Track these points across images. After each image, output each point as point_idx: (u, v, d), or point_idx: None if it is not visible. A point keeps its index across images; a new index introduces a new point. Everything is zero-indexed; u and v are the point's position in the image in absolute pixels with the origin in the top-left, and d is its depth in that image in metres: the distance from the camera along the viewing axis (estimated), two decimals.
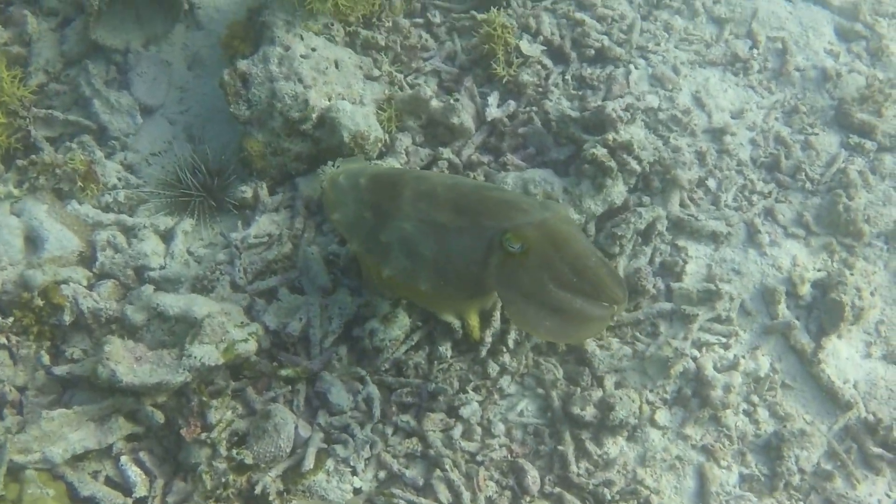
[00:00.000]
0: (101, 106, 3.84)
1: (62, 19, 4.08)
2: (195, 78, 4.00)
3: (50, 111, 3.80)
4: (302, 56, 3.62)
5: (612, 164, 3.53)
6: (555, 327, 2.49)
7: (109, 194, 3.66)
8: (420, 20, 4.00)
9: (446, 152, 3.72)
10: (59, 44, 4.03)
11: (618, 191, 3.59)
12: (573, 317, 2.43)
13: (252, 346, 3.26)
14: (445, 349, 3.42)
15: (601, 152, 3.54)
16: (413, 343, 3.44)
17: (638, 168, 3.52)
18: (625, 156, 3.49)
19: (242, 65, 3.61)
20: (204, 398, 3.21)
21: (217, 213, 3.65)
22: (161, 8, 3.96)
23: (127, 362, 3.19)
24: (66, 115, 3.82)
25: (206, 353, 3.18)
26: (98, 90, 3.83)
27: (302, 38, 3.66)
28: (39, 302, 3.33)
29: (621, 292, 2.42)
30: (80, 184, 3.61)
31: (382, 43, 3.84)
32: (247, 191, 3.64)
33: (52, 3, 4.09)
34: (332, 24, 3.75)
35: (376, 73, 3.79)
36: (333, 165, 3.44)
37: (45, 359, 3.32)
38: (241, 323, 3.31)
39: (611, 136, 3.57)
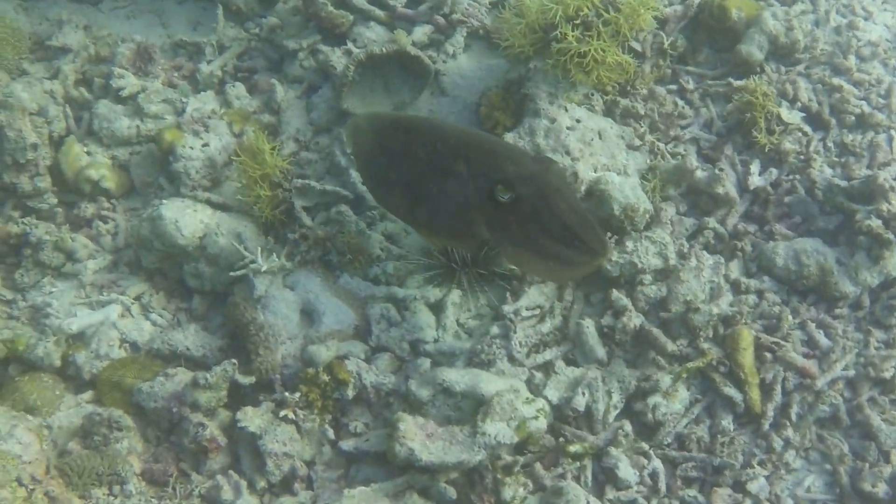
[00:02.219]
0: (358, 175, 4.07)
1: (307, 87, 4.35)
2: None
3: (307, 182, 4.05)
4: (568, 128, 3.84)
5: (890, 236, 3.68)
6: (542, 270, 3.04)
7: (378, 266, 3.88)
8: (673, 86, 4.19)
9: (711, 222, 3.89)
10: (307, 112, 4.29)
11: (894, 262, 3.73)
12: (559, 263, 2.79)
13: (542, 423, 3.48)
14: (727, 422, 3.58)
15: (876, 224, 3.69)
16: (693, 416, 3.61)
17: None
18: None
19: (509, 137, 3.84)
20: (498, 475, 3.41)
21: (482, 283, 3.85)
22: (409, 76, 4.20)
23: (419, 439, 3.42)
24: (323, 185, 4.04)
25: (499, 431, 3.40)
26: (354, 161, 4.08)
27: (566, 110, 3.88)
28: (325, 377, 3.57)
29: (604, 244, 2.76)
30: (349, 256, 3.83)
31: (641, 111, 4.04)
32: None
33: (296, 70, 4.36)
34: (592, 94, 3.96)
35: (637, 142, 3.99)
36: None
37: (330, 433, 3.55)
38: (528, 399, 3.51)
39: (884, 206, 3.73)
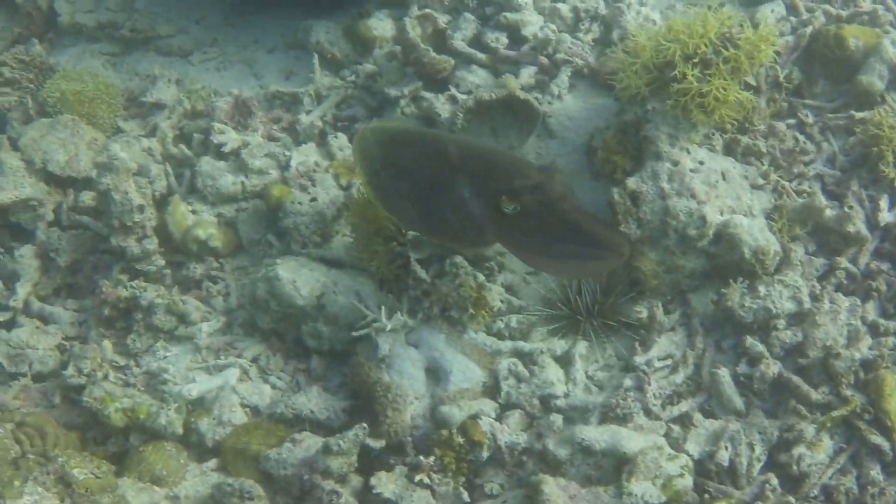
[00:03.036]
0: None
1: None
2: None
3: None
4: (691, 170, 3.81)
5: None
6: (557, 269, 3.22)
7: (501, 320, 3.86)
8: (792, 121, 4.15)
9: (843, 262, 3.85)
10: None
11: None
12: (578, 262, 2.90)
13: (688, 480, 3.45)
14: (876, 472, 3.54)
15: None
16: (839, 466, 3.56)
17: None
18: None
19: (632, 183, 3.81)
20: None
21: (608, 333, 3.82)
22: (516, 120, 4.19)
23: (563, 502, 3.38)
24: None
25: (645, 490, 3.37)
26: None
27: (688, 152, 3.86)
28: (459, 439, 3.54)
29: (621, 240, 2.84)
30: (471, 311, 3.81)
31: (763, 149, 4.00)
32: (641, 311, 3.81)
33: (397, 118, 4.33)
34: (713, 134, 3.93)
35: (760, 181, 3.95)
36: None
37: (465, 496, 3.53)
38: (671, 455, 3.47)
39: None
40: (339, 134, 4.38)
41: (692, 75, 3.74)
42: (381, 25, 4.60)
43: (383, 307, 3.81)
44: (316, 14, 4.69)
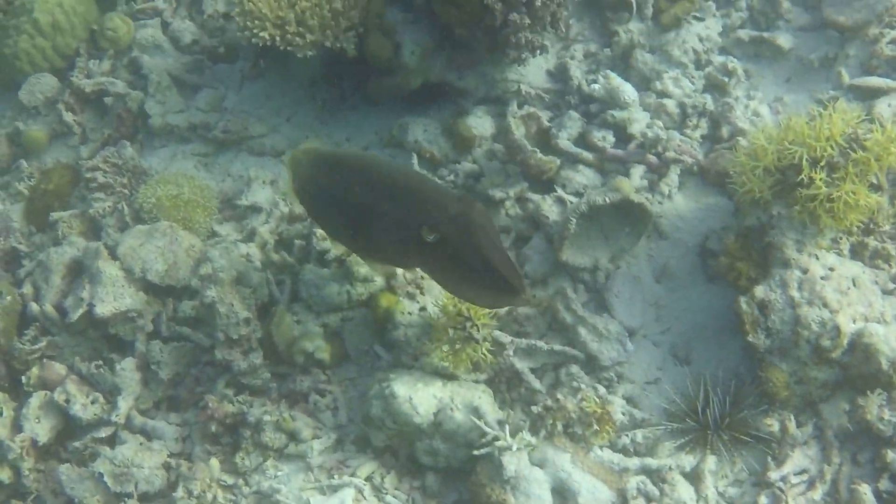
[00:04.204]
0: (588, 334, 4.02)
1: (515, 237, 4.32)
2: (668, 292, 4.21)
3: (533, 342, 3.99)
4: (822, 278, 3.78)
5: None
6: (470, 298, 3.39)
7: (626, 435, 3.81)
8: None
9: None
10: (518, 264, 4.25)
11: None
12: (484, 294, 3.13)
13: None
14: None
15: None
16: None
17: None
18: None
19: (760, 291, 3.79)
20: None
21: (738, 446, 3.77)
22: (627, 221, 4.17)
23: None
24: (551, 345, 4.00)
25: None
26: (582, 317, 4.04)
27: (817, 258, 3.82)
28: None
29: (520, 285, 3.02)
30: (595, 427, 3.77)
31: (892, 252, 3.97)
32: (772, 423, 3.76)
33: (502, 219, 4.36)
34: (840, 238, 3.90)
35: (891, 286, 3.92)
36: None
37: None
38: None
39: None
40: None
41: (820, 180, 3.71)
42: (480, 123, 4.62)
43: (506, 425, 3.75)
44: (411, 111, 4.69)
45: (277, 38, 4.48)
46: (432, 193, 3.08)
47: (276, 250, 4.41)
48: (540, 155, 4.32)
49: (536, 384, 4.02)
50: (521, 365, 4.07)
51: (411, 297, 4.18)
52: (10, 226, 4.71)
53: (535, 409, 3.86)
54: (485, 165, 4.51)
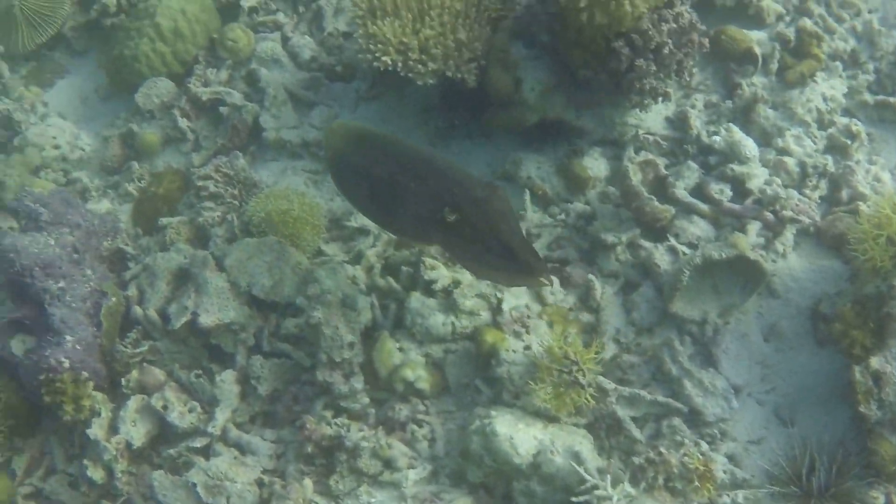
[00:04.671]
0: (694, 387, 4.01)
1: (624, 283, 4.33)
2: (775, 352, 4.19)
3: (636, 391, 4.00)
4: None
5: None
6: (489, 277, 3.55)
7: (727, 495, 3.80)
8: None
9: None
10: (625, 311, 4.26)
11: None
12: (502, 274, 3.27)
13: None
14: None
15: None
16: None
17: None
18: None
19: (875, 363, 3.76)
20: None
21: None
22: (740, 277, 4.16)
23: None
24: (654, 395, 3.99)
25: None
26: (688, 370, 4.03)
27: None
28: None
29: (540, 267, 3.19)
30: (696, 483, 3.76)
31: None
32: (878, 497, 3.73)
33: (611, 265, 4.35)
34: None
35: None
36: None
37: None
38: None
39: None
40: (553, 278, 4.37)
41: None
42: (595, 165, 4.65)
43: (607, 475, 3.76)
44: (524, 146, 4.73)
45: (399, 64, 4.53)
46: (458, 176, 3.23)
47: (383, 275, 4.43)
48: (656, 203, 4.32)
49: (637, 434, 4.01)
50: (623, 413, 4.07)
51: (517, 335, 4.20)
52: (118, 227, 4.79)
53: (636, 460, 3.85)
54: (598, 208, 4.53)
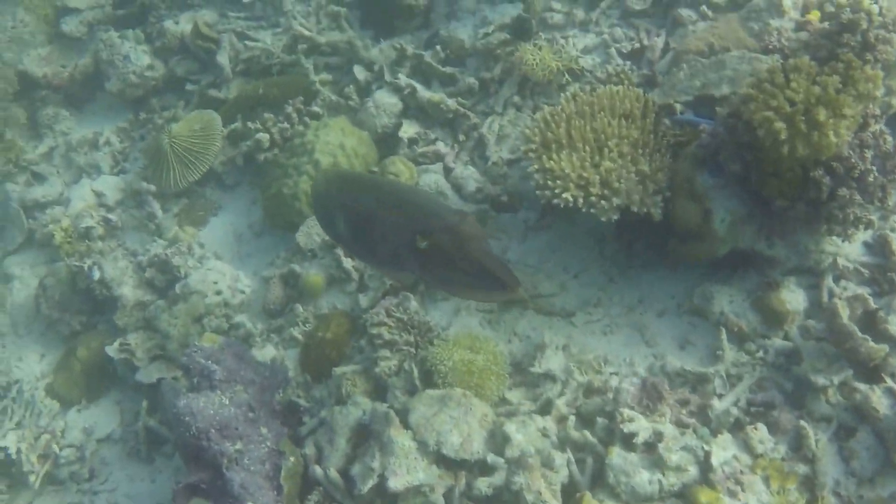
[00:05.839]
0: None
1: (837, 426, 4.10)
2: None
3: None
4: None
5: None
6: (466, 296, 3.71)
7: None
8: None
9: None
10: (842, 459, 4.05)
11: None
12: (477, 292, 3.37)
13: None
14: None
15: None
16: None
17: None
18: None
19: None
20: None
21: None
22: None
23: None
24: None
25: None
26: None
27: None
28: None
29: (513, 281, 3.24)
30: None
31: None
32: None
33: (822, 407, 4.14)
34: None
35: None
36: None
37: None
38: None
39: None
40: (759, 424, 4.16)
41: None
42: (792, 297, 4.45)
43: None
44: (710, 277, 4.55)
45: (580, 200, 4.39)
46: (430, 205, 3.36)
47: (577, 427, 4.26)
48: (871, 343, 4.10)
49: None
50: None
51: (732, 494, 3.98)
52: (288, 376, 4.71)
53: None
54: (801, 345, 4.31)
